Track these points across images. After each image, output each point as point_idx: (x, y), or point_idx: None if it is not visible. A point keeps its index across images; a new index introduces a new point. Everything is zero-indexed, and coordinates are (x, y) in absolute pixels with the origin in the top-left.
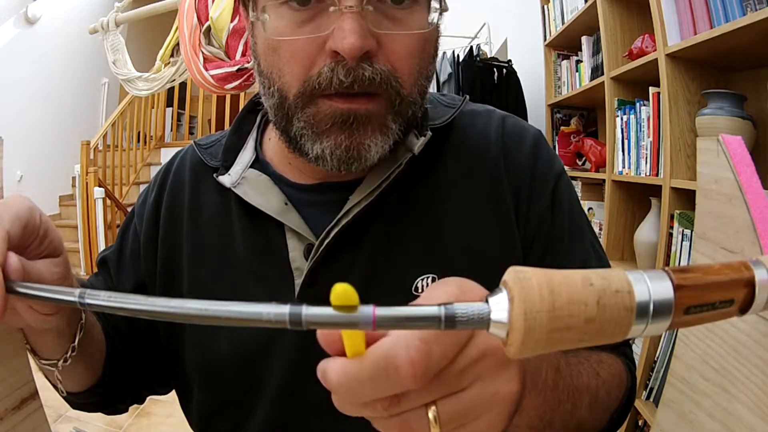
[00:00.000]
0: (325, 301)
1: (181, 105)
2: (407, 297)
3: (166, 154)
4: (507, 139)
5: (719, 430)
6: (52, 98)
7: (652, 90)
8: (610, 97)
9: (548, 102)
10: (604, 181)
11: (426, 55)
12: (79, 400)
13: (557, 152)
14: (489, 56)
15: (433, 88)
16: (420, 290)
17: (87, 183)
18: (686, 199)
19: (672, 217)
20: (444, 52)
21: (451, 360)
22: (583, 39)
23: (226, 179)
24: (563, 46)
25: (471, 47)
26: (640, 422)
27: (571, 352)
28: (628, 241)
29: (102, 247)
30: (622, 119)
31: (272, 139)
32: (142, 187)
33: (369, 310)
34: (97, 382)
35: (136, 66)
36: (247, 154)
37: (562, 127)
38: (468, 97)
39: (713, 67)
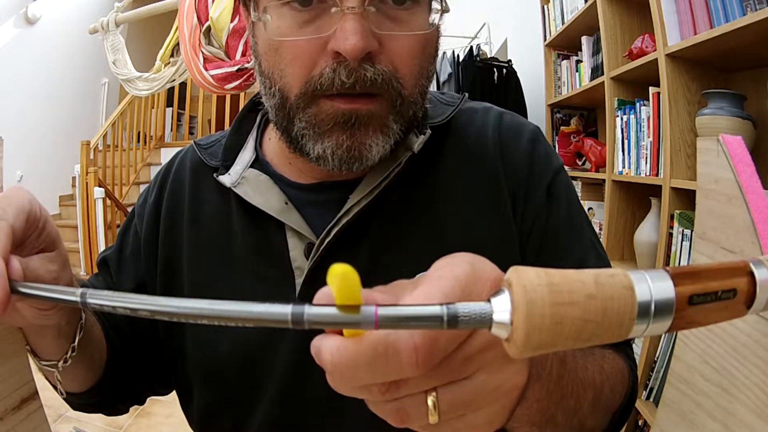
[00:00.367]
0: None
1: (181, 105)
2: None
3: (166, 154)
4: (504, 135)
5: (719, 431)
6: (52, 98)
7: (652, 90)
8: (610, 97)
9: (548, 102)
10: (604, 181)
11: (427, 55)
12: (79, 401)
13: (557, 152)
14: (489, 56)
15: (433, 88)
16: None
17: (87, 183)
18: (686, 199)
19: (672, 217)
20: (444, 52)
21: (456, 347)
22: (583, 39)
23: (226, 179)
24: (563, 46)
25: (471, 47)
26: (640, 422)
27: None
28: (628, 241)
29: (102, 247)
30: (622, 119)
31: (272, 139)
32: (142, 187)
33: (371, 310)
34: (98, 383)
35: (136, 66)
36: (247, 154)
37: (562, 127)
38: (467, 94)
39: (713, 67)
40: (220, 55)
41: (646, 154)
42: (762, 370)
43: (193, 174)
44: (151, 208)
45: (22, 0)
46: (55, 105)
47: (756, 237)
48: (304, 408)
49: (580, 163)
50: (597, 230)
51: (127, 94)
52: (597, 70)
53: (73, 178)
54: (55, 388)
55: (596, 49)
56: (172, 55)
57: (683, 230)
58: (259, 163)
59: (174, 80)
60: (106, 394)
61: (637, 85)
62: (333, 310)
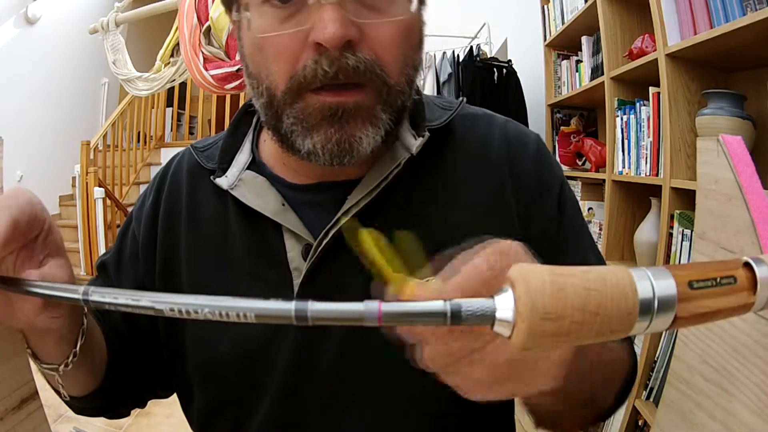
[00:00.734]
0: (323, 300)
1: (181, 105)
2: None
3: (166, 154)
4: (511, 144)
5: (719, 431)
6: (52, 98)
7: (652, 90)
8: (610, 97)
9: (548, 102)
10: (604, 181)
11: (410, 44)
12: (81, 405)
13: (557, 152)
14: (489, 56)
15: (433, 88)
16: None
17: (87, 183)
18: (686, 199)
19: (672, 217)
20: (444, 52)
21: None
22: (583, 39)
23: (223, 181)
24: (563, 46)
25: (471, 47)
26: (640, 422)
27: None
28: (628, 241)
29: (102, 247)
30: (622, 119)
31: (267, 141)
32: (142, 187)
33: (375, 306)
34: (99, 387)
35: (136, 66)
36: (243, 156)
37: (562, 127)
38: (465, 99)
39: (713, 67)
40: (220, 55)
41: (646, 154)
42: (762, 370)
43: (190, 177)
44: (148, 211)
45: (22, 0)
46: (55, 105)
47: (756, 237)
48: (304, 407)
49: (580, 163)
50: (597, 230)
51: (127, 94)
52: (597, 70)
53: (73, 178)
54: (58, 392)
55: (596, 49)
56: (172, 55)
57: (683, 230)
58: (255, 165)
59: (174, 80)
60: (108, 398)
61: (637, 85)
62: (336, 306)
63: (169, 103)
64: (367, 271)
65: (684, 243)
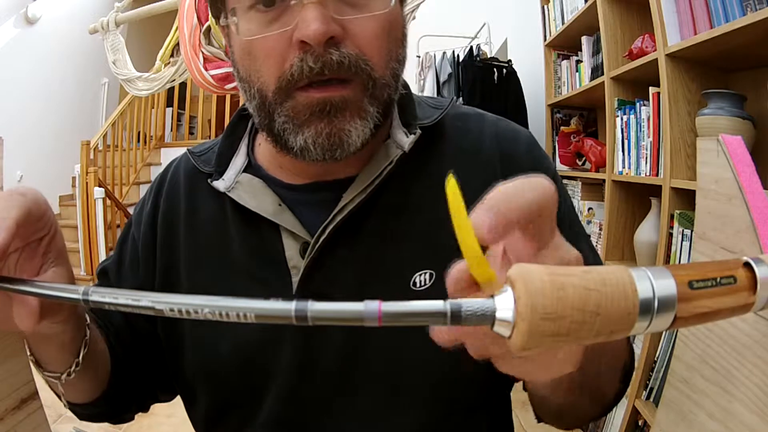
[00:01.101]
0: (322, 298)
1: (181, 105)
2: (406, 292)
3: (166, 154)
4: (503, 141)
5: (719, 430)
6: (52, 98)
7: (652, 90)
8: (610, 97)
9: (548, 102)
10: (604, 181)
11: (393, 37)
12: (84, 411)
13: (557, 152)
14: (489, 56)
15: (433, 88)
16: (419, 285)
17: (87, 183)
18: (686, 199)
19: (672, 217)
20: (444, 52)
21: None
22: (583, 39)
23: (220, 184)
24: (563, 46)
25: (471, 47)
26: (640, 422)
27: None
28: (628, 241)
29: (102, 247)
30: (622, 119)
31: (263, 144)
32: (142, 187)
33: (374, 306)
34: (102, 394)
35: (136, 66)
36: (240, 159)
37: (562, 127)
38: (455, 98)
39: (713, 67)
40: (220, 55)
41: (646, 154)
42: (762, 370)
43: (187, 181)
44: (148, 216)
45: (22, 0)
46: (55, 105)
47: (756, 237)
48: (305, 408)
49: (580, 163)
50: (597, 230)
51: (127, 94)
52: (597, 70)
53: (73, 178)
54: (60, 398)
55: (596, 49)
56: (172, 55)
57: (683, 230)
58: (252, 167)
59: (174, 80)
60: (111, 405)
61: (637, 85)
62: (336, 306)
63: (169, 103)
64: (363, 268)
65: (684, 243)
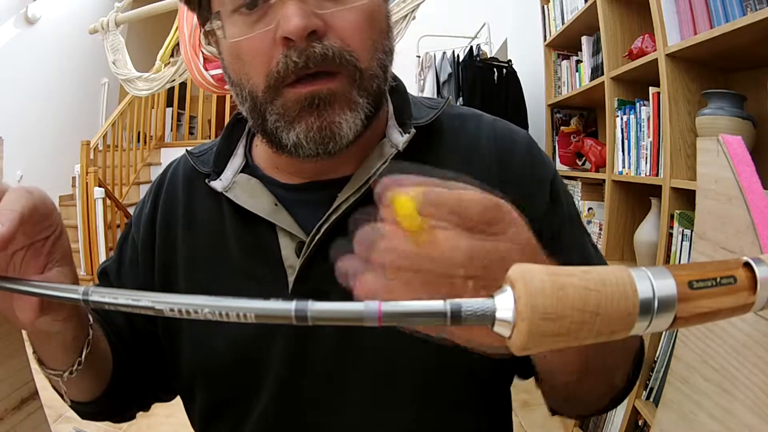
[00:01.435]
0: (317, 296)
1: (181, 105)
2: None
3: (166, 154)
4: (500, 142)
5: (719, 430)
6: (52, 98)
7: (652, 90)
8: (610, 97)
9: (548, 102)
10: (604, 181)
11: (376, 29)
12: (86, 409)
13: (557, 152)
14: (489, 56)
15: (433, 88)
16: None
17: (87, 183)
18: (686, 199)
19: (672, 217)
20: (444, 52)
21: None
22: (583, 39)
23: (217, 184)
24: (563, 46)
25: (471, 47)
26: (640, 422)
27: None
28: (628, 241)
29: (102, 247)
30: (622, 119)
31: (259, 145)
32: (142, 187)
33: (374, 305)
34: (104, 393)
35: (136, 66)
36: (237, 160)
37: (562, 127)
38: (451, 98)
39: (713, 67)
40: None
41: (646, 154)
42: (762, 370)
43: (186, 182)
44: (147, 217)
45: (22, 0)
46: (55, 105)
47: (756, 237)
48: (299, 403)
49: (580, 163)
50: (597, 230)
51: (127, 94)
52: (597, 70)
53: (73, 178)
54: (61, 395)
55: (596, 49)
56: (172, 55)
57: (683, 230)
58: (249, 168)
59: (174, 80)
60: (113, 403)
61: (637, 85)
62: (336, 306)
63: (169, 103)
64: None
65: (684, 243)
